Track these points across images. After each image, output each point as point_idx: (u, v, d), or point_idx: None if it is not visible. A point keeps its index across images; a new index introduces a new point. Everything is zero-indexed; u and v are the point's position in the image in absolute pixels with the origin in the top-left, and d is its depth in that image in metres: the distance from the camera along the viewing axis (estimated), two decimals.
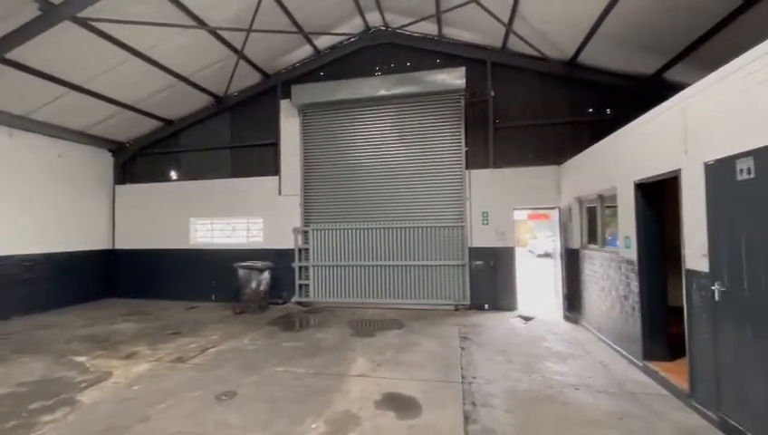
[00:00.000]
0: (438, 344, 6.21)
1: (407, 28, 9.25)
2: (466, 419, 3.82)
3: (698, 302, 3.79)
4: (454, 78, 8.57)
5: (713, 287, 3.51)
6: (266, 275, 9.05)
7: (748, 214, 3.15)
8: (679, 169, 4.05)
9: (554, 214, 8.52)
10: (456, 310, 8.72)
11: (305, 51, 9.79)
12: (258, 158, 10.27)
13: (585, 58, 8.17)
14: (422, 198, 9.09)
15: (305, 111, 9.73)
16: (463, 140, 8.97)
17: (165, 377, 4.97)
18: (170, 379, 4.91)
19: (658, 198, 4.96)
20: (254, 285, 8.82)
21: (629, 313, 5.20)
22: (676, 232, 4.23)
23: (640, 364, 4.92)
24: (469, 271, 8.73)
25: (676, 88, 4.39)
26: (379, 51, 9.61)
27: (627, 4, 6.13)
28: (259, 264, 8.98)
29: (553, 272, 8.94)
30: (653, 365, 4.69)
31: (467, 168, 8.92)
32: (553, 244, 8.91)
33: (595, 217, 6.78)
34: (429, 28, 9.12)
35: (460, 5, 7.56)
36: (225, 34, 8.17)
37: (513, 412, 3.95)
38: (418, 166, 9.14)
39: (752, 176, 3.08)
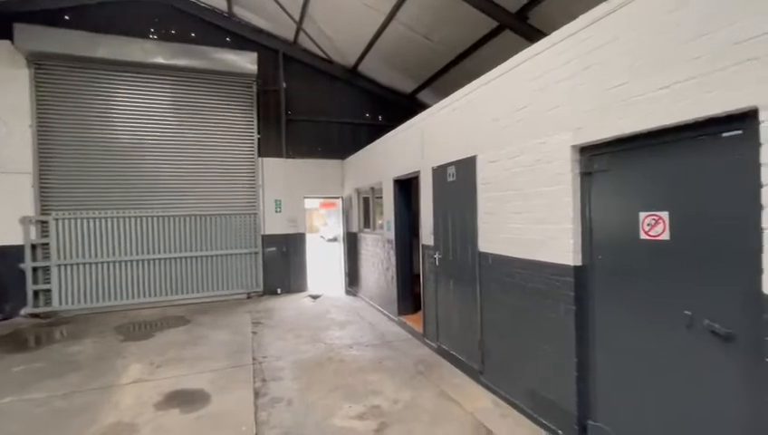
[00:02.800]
0: (229, 333, 6.16)
1: None
2: (257, 394, 4.08)
3: (428, 267, 5.29)
4: (245, 62, 8.36)
5: (435, 256, 4.99)
6: None
7: (451, 205, 4.64)
8: (419, 171, 5.47)
9: (339, 202, 9.66)
10: (249, 297, 8.73)
11: None
12: None
13: (364, 69, 9.54)
14: (210, 185, 8.53)
15: (40, 62, 7.36)
16: (255, 127, 8.91)
17: None
18: None
19: (410, 191, 6.50)
20: None
21: (390, 281, 6.63)
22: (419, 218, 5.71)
23: (396, 319, 6.40)
24: (262, 258, 8.86)
25: (424, 107, 5.83)
26: (156, 10, 8.28)
27: (390, 35, 7.57)
28: None
29: (338, 254, 10.17)
30: (404, 319, 6.21)
31: (260, 155, 8.94)
32: (339, 229, 10.11)
33: (368, 205, 8.16)
34: (218, 2, 8.53)
35: None
36: None
37: (299, 379, 4.47)
38: (204, 149, 8.48)
39: (454, 179, 4.55)
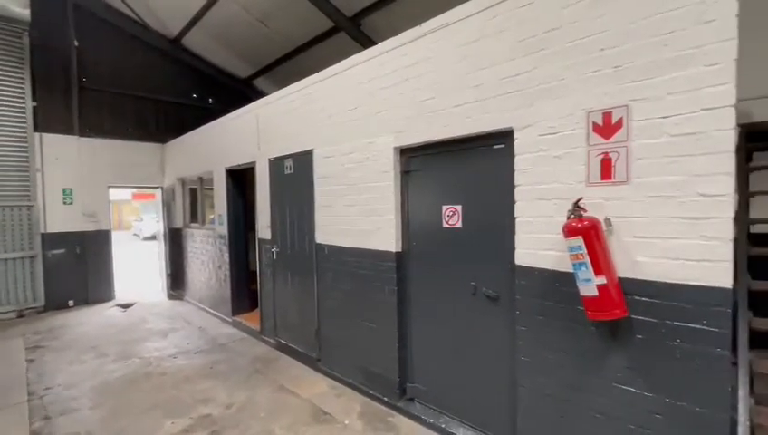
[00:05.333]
0: None
1: None
2: None
3: (265, 262, 5.13)
4: (9, 2, 6.24)
5: (272, 250, 4.89)
6: None
7: (289, 198, 4.63)
8: (255, 162, 5.22)
9: (158, 193, 8.31)
10: (21, 316, 6.65)
11: None
12: None
13: (190, 43, 8.42)
14: None
15: None
16: (28, 93, 6.78)
17: None
18: None
19: (244, 183, 6.12)
20: None
21: (223, 279, 6.14)
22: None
23: (230, 320, 5.97)
24: (43, 263, 6.87)
25: (262, 94, 5.55)
26: None
27: (222, 11, 6.92)
28: None
29: (159, 253, 8.76)
30: (239, 318, 5.86)
31: (38, 130, 6.86)
32: (158, 225, 8.70)
33: (197, 197, 7.31)
34: None
35: None
36: None
37: (102, 405, 3.70)
38: None
39: (292, 171, 4.55)
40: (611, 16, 2.11)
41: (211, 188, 6.66)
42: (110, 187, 7.66)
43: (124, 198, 23.45)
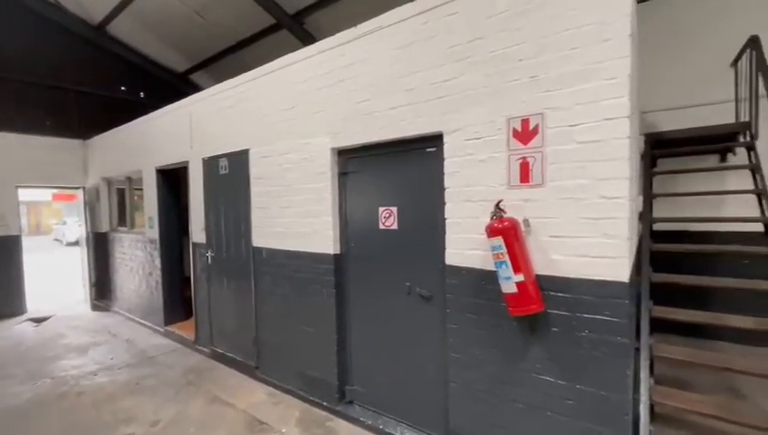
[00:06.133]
0: None
1: None
2: None
3: (200, 267, 4.85)
4: None
5: (207, 254, 4.63)
6: None
7: (224, 200, 4.41)
8: (188, 161, 4.92)
9: (80, 194, 7.55)
10: None
11: None
12: None
13: (118, 32, 7.76)
14: None
15: None
16: None
17: None
18: None
19: (178, 183, 5.75)
20: None
21: (154, 287, 5.71)
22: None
23: (162, 330, 5.57)
24: None
25: (200, 89, 5.18)
26: None
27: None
28: None
29: (82, 260, 7.95)
30: (171, 328, 5.48)
31: None
32: (80, 228, 7.91)
33: (125, 199, 6.74)
34: None
35: None
36: None
37: (5, 434, 3.28)
38: None
39: (227, 172, 4.34)
40: (528, 29, 2.24)
41: (141, 189, 6.17)
42: (18, 187, 6.83)
43: (42, 199, 21.06)
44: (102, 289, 7.19)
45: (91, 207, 7.32)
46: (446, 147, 2.62)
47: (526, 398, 2.35)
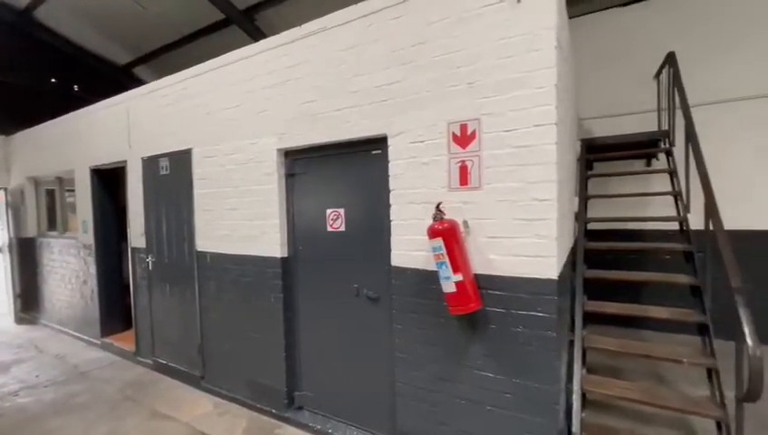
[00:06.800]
0: None
1: None
2: None
3: (140, 273, 4.55)
4: None
5: (148, 259, 4.36)
6: None
7: (165, 202, 4.17)
8: (126, 160, 4.61)
9: (2, 195, 6.83)
10: None
11: None
12: None
13: (48, 19, 7.11)
14: None
15: None
16: None
17: None
18: None
19: (115, 184, 5.36)
20: None
21: (89, 296, 5.28)
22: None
23: (99, 343, 5.17)
24: None
25: (143, 84, 4.84)
26: None
27: None
28: None
29: (4, 268, 7.20)
30: (109, 340, 5.10)
31: None
32: (2, 233, 7.15)
33: (55, 201, 6.19)
34: None
35: None
36: None
37: None
38: None
39: (168, 172, 4.11)
40: (466, 37, 2.32)
41: (73, 190, 5.69)
42: None
43: None
44: (29, 300, 6.55)
45: (14, 210, 6.65)
46: (390, 149, 2.64)
47: (468, 394, 2.42)
